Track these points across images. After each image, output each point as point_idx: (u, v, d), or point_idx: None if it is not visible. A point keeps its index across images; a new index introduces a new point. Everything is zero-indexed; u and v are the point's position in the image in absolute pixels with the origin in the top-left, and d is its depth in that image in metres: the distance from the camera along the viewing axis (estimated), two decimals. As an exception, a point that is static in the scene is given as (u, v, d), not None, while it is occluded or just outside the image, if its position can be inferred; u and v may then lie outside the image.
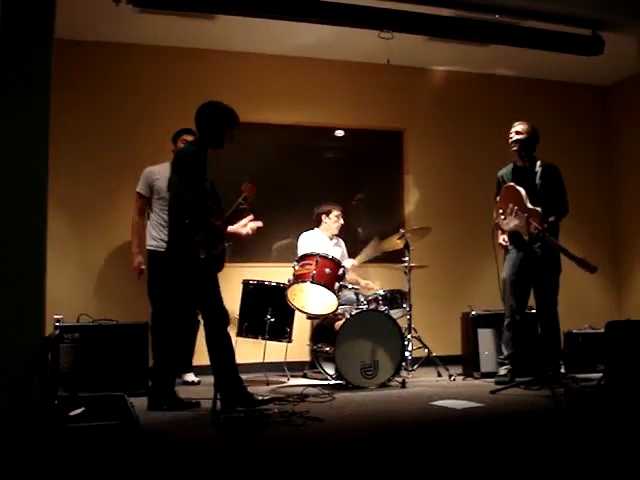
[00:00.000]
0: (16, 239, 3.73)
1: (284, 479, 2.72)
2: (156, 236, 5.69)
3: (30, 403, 3.53)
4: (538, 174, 5.32)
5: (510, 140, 5.44)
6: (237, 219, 4.64)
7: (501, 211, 5.29)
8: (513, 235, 5.35)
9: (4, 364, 3.60)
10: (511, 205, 5.20)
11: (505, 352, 5.46)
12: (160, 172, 5.75)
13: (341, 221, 6.36)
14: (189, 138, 5.85)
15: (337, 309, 5.37)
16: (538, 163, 5.38)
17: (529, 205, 5.12)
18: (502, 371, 5.44)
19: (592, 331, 6.09)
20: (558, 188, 5.36)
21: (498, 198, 5.46)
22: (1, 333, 3.62)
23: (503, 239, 5.45)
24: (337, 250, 6.26)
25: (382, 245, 6.14)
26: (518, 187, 5.24)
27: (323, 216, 6.35)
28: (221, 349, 4.33)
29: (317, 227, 6.39)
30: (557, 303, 5.35)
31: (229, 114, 4.50)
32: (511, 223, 5.22)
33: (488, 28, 6.04)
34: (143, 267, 5.77)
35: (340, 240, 6.47)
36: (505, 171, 5.60)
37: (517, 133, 5.43)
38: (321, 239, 6.29)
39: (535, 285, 5.37)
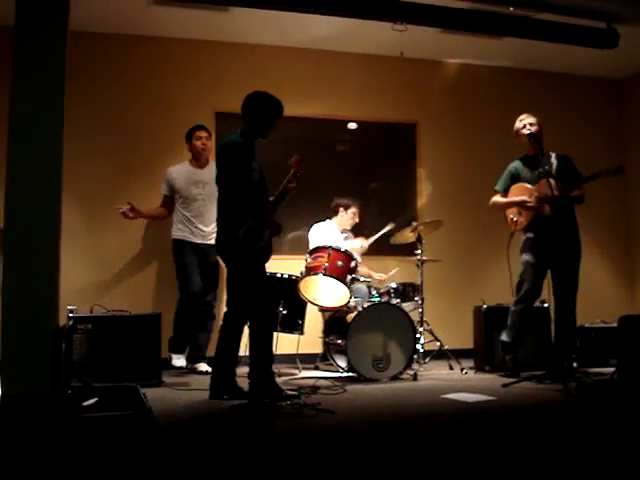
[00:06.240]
0: (30, 231, 3.75)
1: (296, 470, 2.73)
2: (180, 228, 5.92)
3: (44, 393, 3.56)
4: (555, 164, 5.30)
5: (525, 132, 5.40)
6: (288, 196, 4.60)
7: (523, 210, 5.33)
8: (533, 222, 5.31)
9: (18, 354, 3.64)
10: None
11: (509, 336, 5.41)
12: (178, 172, 5.99)
13: (357, 219, 6.40)
14: (203, 134, 5.93)
15: (349, 302, 5.38)
16: (553, 155, 5.36)
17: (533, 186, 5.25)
18: (507, 363, 5.44)
19: (605, 325, 6.08)
20: (577, 175, 5.26)
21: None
22: (16, 324, 3.66)
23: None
24: (347, 243, 6.25)
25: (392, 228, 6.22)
26: (517, 184, 5.42)
27: (341, 209, 6.36)
28: (229, 342, 4.47)
29: (330, 218, 6.40)
30: (577, 292, 5.21)
31: (276, 104, 4.46)
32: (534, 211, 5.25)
33: (502, 21, 6.03)
34: (131, 215, 5.83)
35: (350, 234, 6.48)
36: (517, 164, 5.54)
37: (531, 125, 5.40)
38: (332, 231, 6.29)
39: (554, 272, 5.25)
